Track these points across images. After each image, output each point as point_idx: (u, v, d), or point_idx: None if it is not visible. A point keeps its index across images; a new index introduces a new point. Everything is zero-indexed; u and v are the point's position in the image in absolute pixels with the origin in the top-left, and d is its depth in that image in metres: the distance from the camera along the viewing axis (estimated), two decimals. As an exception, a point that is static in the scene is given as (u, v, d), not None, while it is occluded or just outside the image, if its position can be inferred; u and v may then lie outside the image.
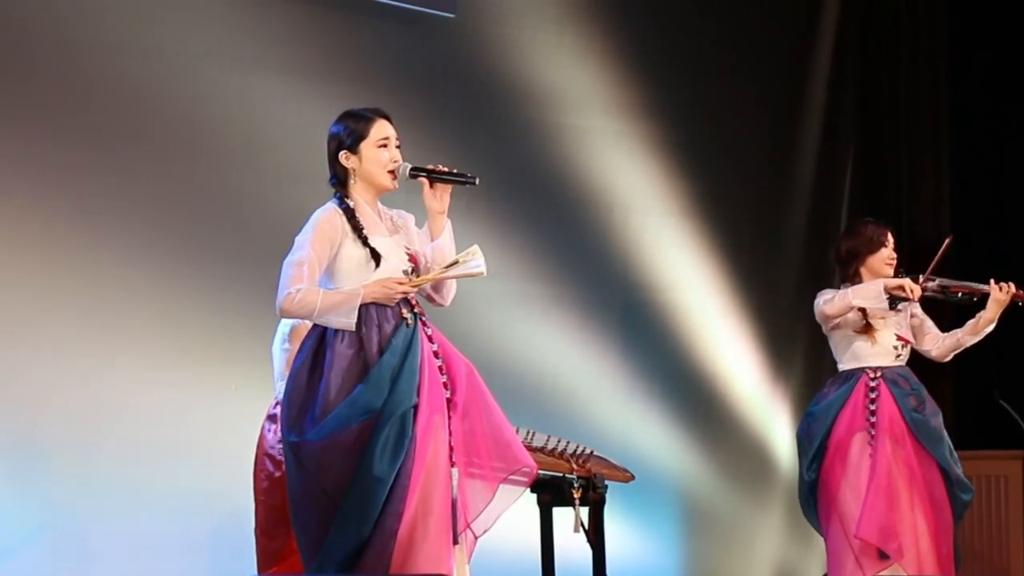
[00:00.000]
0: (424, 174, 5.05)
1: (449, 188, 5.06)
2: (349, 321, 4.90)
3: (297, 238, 5.00)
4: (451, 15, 8.29)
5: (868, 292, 6.67)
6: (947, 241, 6.81)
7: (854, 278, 6.80)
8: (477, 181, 5.03)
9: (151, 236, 7.28)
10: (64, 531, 6.95)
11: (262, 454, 6.15)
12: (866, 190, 10.16)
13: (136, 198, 7.27)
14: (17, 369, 6.91)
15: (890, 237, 6.84)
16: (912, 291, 6.63)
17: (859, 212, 10.08)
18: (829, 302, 6.72)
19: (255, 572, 5.99)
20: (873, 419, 6.68)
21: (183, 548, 7.22)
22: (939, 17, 10.22)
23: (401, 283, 4.97)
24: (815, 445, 6.76)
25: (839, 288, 6.83)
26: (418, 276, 5.05)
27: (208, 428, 7.28)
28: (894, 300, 6.68)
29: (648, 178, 9.17)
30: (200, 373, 7.33)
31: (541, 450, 6.60)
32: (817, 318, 6.84)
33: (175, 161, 7.40)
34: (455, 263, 4.98)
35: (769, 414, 9.67)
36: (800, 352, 9.83)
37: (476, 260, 4.96)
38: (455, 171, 5.04)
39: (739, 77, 9.59)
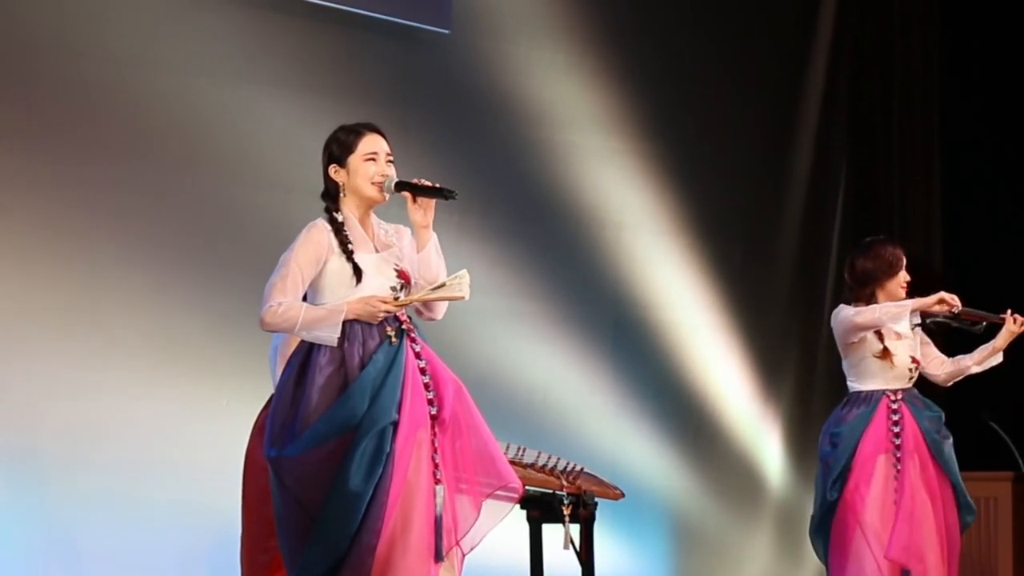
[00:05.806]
0: (407, 188, 5.05)
1: (433, 202, 5.05)
2: (332, 336, 4.90)
3: (282, 256, 4.99)
4: (446, 31, 8.30)
5: (896, 315, 6.52)
6: None
7: (869, 300, 6.62)
8: (456, 195, 5.03)
9: (145, 248, 7.28)
10: (55, 543, 6.93)
11: (253, 466, 6.14)
12: (858, 209, 10.17)
13: (130, 210, 7.27)
14: (9, 382, 6.90)
15: (904, 259, 6.68)
16: (952, 301, 6.51)
17: (851, 231, 10.11)
18: (860, 313, 6.54)
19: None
20: (898, 441, 6.59)
21: (175, 561, 7.21)
22: (933, 35, 10.24)
23: (385, 302, 4.96)
24: (840, 465, 6.66)
25: (850, 304, 6.73)
26: (407, 291, 5.05)
27: (200, 441, 7.27)
28: (925, 315, 6.62)
29: (640, 195, 9.18)
30: (193, 386, 7.32)
31: (531, 466, 6.60)
32: (838, 333, 6.67)
33: (169, 173, 7.40)
34: (442, 285, 4.98)
35: (759, 432, 9.68)
36: (791, 370, 9.84)
37: (461, 284, 4.96)
38: (436, 185, 5.04)
39: (732, 95, 9.61)
